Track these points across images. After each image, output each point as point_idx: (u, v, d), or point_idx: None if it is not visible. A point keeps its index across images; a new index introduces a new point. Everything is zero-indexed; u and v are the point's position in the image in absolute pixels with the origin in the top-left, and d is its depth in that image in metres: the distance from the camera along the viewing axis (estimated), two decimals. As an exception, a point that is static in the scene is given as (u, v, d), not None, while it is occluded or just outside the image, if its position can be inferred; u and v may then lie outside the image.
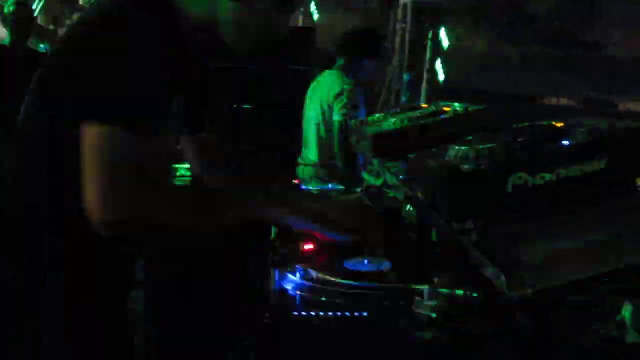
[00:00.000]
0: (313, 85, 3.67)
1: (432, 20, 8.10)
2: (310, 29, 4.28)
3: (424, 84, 6.86)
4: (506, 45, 12.90)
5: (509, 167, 1.19)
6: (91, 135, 1.13)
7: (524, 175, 1.19)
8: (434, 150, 1.44)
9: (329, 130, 3.49)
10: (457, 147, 1.35)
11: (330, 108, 3.46)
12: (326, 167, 3.44)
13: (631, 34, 13.20)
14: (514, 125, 1.46)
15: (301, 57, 4.04)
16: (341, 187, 2.38)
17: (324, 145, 3.52)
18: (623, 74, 13.06)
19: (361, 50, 3.55)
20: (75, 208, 1.13)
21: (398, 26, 9.69)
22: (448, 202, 1.21)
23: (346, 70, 3.52)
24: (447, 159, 1.37)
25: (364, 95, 3.53)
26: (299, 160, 3.68)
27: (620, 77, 13.04)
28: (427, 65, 6.83)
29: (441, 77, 6.98)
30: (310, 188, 2.33)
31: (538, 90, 13.97)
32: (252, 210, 1.35)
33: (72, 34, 1.34)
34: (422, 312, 1.18)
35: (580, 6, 12.93)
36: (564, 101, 14.77)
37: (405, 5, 9.48)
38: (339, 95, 3.42)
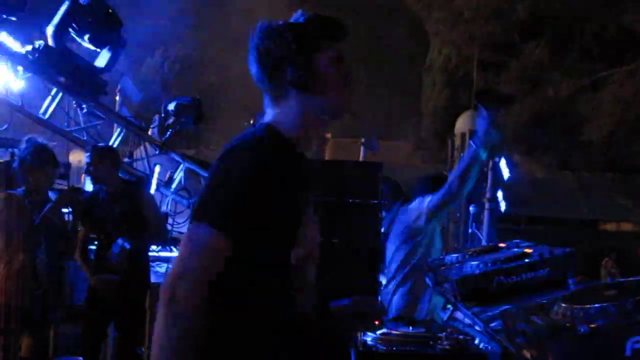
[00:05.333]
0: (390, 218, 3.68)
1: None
2: (377, 164, 4.36)
3: (486, 214, 6.83)
4: (563, 171, 12.90)
5: (625, 330, 1.16)
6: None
7: (642, 338, 1.16)
8: (539, 303, 1.41)
9: None
10: (563, 305, 1.33)
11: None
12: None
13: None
14: (619, 280, 1.43)
15: (369, 190, 4.09)
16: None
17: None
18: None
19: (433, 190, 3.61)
20: None
21: (455, 154, 9.82)
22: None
23: None
24: (552, 315, 1.35)
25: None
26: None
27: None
28: (488, 195, 6.82)
29: (503, 207, 6.94)
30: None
31: (598, 215, 13.77)
32: None
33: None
34: None
35: (635, 134, 12.95)
36: (626, 225, 14.44)
37: (462, 134, 9.66)
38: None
